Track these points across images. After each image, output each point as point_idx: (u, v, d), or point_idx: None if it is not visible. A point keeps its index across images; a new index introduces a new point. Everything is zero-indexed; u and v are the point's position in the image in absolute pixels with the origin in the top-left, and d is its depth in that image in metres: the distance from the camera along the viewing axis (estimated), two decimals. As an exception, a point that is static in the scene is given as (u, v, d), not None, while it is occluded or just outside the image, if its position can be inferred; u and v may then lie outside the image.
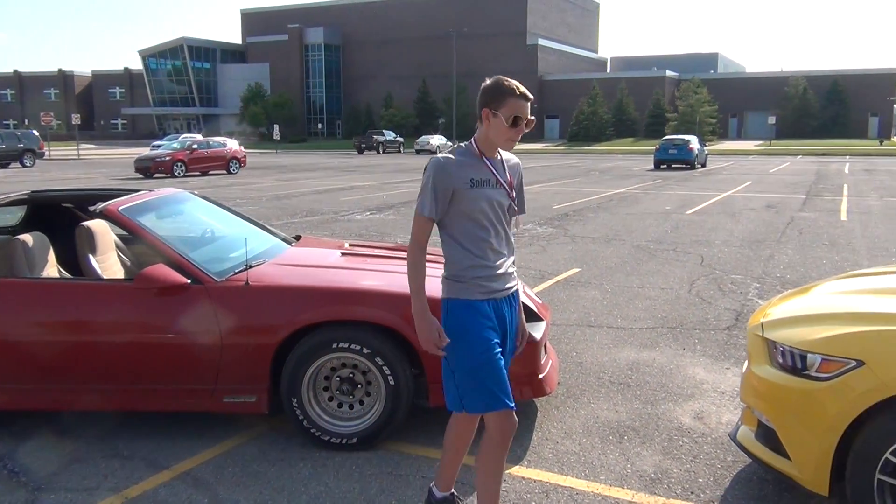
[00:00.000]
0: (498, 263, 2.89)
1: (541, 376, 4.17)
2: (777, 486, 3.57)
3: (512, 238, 2.99)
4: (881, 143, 63.18)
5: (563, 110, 77.60)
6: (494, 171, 2.86)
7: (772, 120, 66.08)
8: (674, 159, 33.63)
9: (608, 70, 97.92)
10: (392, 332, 3.96)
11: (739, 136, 78.37)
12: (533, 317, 4.36)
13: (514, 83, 2.79)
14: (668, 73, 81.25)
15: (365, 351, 3.91)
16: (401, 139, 60.00)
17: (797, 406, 3.07)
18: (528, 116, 2.79)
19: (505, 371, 2.87)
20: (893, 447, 2.80)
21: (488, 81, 2.82)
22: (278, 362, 4.00)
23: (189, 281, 3.99)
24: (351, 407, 4.08)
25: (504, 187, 2.87)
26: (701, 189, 21.81)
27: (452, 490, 3.24)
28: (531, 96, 2.82)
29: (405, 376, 3.94)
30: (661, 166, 33.90)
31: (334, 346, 3.93)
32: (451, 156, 2.83)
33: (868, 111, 75.95)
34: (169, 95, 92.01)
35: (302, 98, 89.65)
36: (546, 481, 3.66)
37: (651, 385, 5.01)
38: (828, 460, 2.97)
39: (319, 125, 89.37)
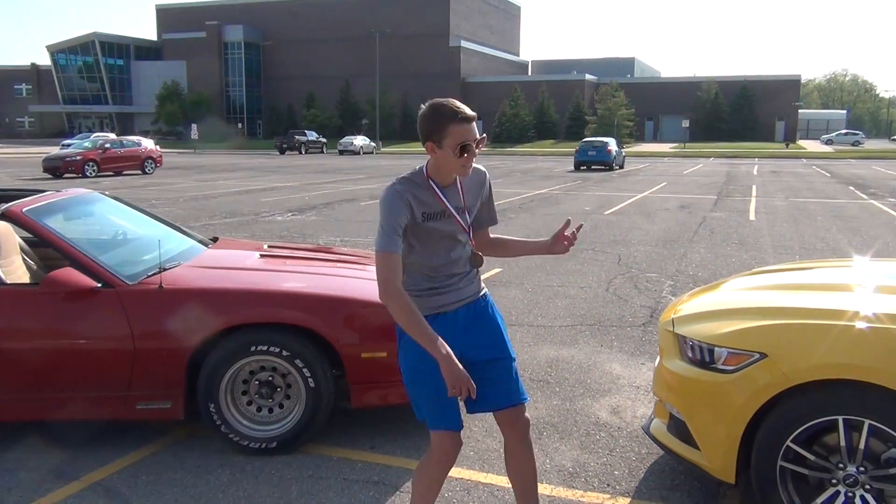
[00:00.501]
0: (449, 283, 2.74)
1: (462, 375, 4.20)
2: (688, 476, 3.70)
3: (470, 252, 2.80)
4: (787, 146, 66.26)
5: (486, 112, 78.20)
6: (445, 201, 2.68)
7: (685, 123, 68.46)
8: (593, 161, 34.42)
9: (530, 73, 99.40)
10: (312, 334, 3.92)
11: (655, 139, 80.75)
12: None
13: (452, 105, 2.59)
14: (588, 76, 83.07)
15: (284, 353, 3.86)
16: (323, 140, 59.39)
17: (705, 398, 3.19)
18: (477, 137, 2.58)
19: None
20: (794, 435, 2.95)
21: (424, 108, 2.62)
22: (194, 367, 3.90)
23: (99, 285, 3.85)
24: (270, 411, 4.03)
25: (455, 217, 2.69)
26: (619, 190, 22.39)
27: None
28: (473, 114, 2.61)
29: (326, 378, 3.91)
30: (581, 168, 34.64)
31: (253, 349, 3.86)
32: (401, 187, 2.64)
33: (775, 115, 79.44)
34: (80, 93, 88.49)
35: (221, 97, 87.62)
36: (467, 479, 3.69)
37: (570, 382, 5.12)
38: (734, 450, 3.09)
39: (240, 125, 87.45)
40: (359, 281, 4.54)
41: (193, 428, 4.23)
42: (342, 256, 5.34)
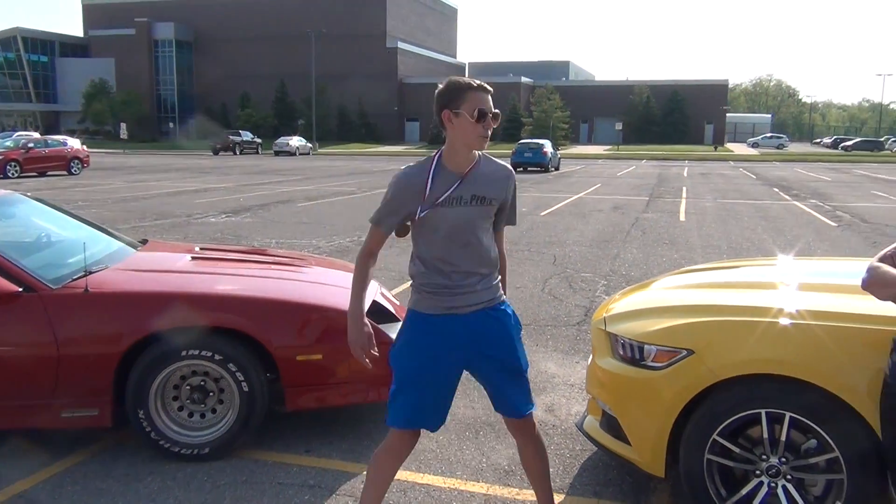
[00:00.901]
0: (465, 284, 2.69)
1: (398, 376, 4.19)
2: (620, 472, 3.78)
3: (491, 251, 2.77)
4: (715, 148, 68.27)
5: (424, 113, 78.48)
6: (458, 188, 2.63)
7: (619, 126, 69.99)
8: (529, 163, 34.80)
9: (466, 75, 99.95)
10: (245, 337, 3.85)
11: (590, 141, 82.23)
12: (390, 318, 4.38)
13: (469, 78, 2.63)
14: (524, 79, 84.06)
15: (217, 358, 3.79)
16: (258, 140, 58.47)
17: (636, 395, 3.26)
18: (493, 109, 2.60)
19: (449, 392, 2.78)
20: (720, 429, 3.04)
21: (440, 85, 2.63)
22: (123, 373, 3.79)
23: (20, 289, 3.71)
24: (203, 416, 3.94)
25: (471, 204, 2.65)
26: (554, 191, 22.70)
27: None
28: (490, 88, 2.63)
29: (260, 382, 3.85)
30: (518, 169, 34.93)
31: (184, 353, 3.78)
32: (412, 170, 2.66)
33: (704, 119, 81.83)
34: (1, 90, 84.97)
35: (152, 96, 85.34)
36: (404, 480, 3.69)
37: (506, 381, 5.16)
38: (663, 444, 3.18)
39: (171, 124, 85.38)
40: (294, 283, 4.50)
41: (122, 435, 4.11)
42: (277, 258, 5.27)
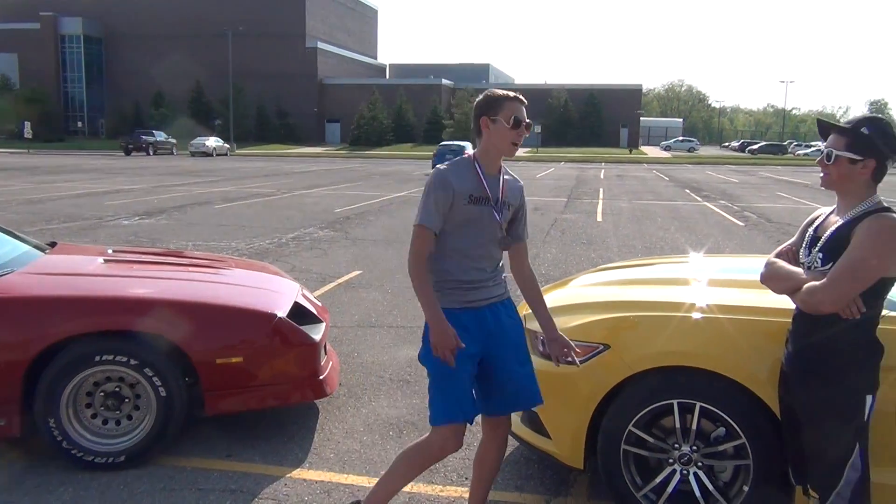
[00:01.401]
0: (479, 278, 2.85)
1: (321, 377, 4.18)
2: (541, 465, 3.87)
3: (499, 254, 2.93)
4: (630, 151, 70.20)
5: (344, 115, 77.91)
6: (489, 189, 2.81)
7: (538, 129, 70.91)
8: (451, 164, 34.97)
9: (387, 76, 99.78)
10: (162, 341, 3.76)
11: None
12: (312, 319, 4.36)
13: (507, 90, 2.80)
14: (445, 81, 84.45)
15: (132, 362, 3.69)
16: (173, 140, 56.73)
17: (555, 389, 3.34)
18: (526, 119, 2.79)
19: (467, 385, 2.82)
20: (635, 420, 3.15)
21: (480, 97, 2.82)
22: (32, 380, 3.65)
23: (-82, 295, 3.52)
24: (118, 423, 3.83)
25: (496, 206, 2.83)
26: (475, 193, 22.87)
27: None
28: (525, 101, 2.83)
29: (178, 386, 3.77)
30: (439, 171, 35.14)
31: (97, 358, 3.66)
32: (448, 169, 2.79)
33: (619, 122, 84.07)
34: None
35: (59, 93, 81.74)
36: (328, 481, 3.68)
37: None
38: (582, 437, 3.27)
39: (80, 123, 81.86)
40: (212, 285, 4.42)
41: (31, 445, 3.94)
42: (194, 260, 5.17)
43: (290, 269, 9.12)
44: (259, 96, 74.74)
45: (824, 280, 2.46)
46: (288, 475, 3.71)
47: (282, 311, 4.08)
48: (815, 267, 2.58)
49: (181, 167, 36.24)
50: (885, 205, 2.52)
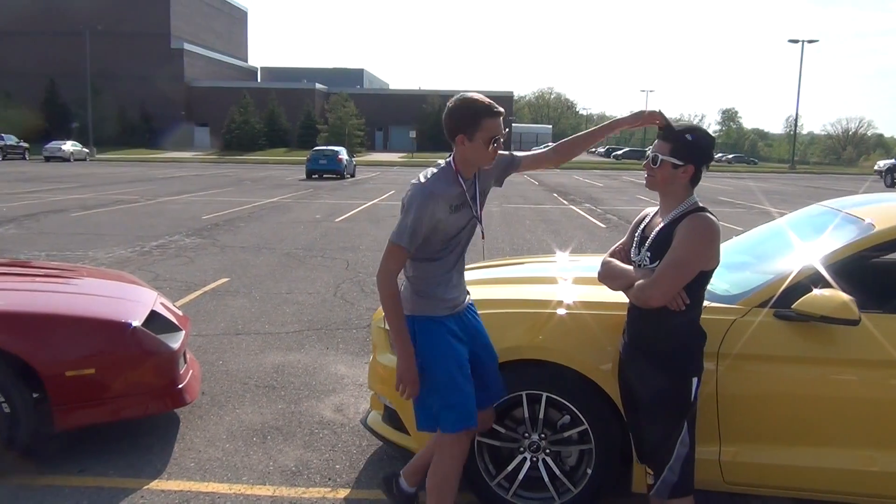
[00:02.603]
0: (458, 280, 2.93)
1: (180, 386, 4.11)
2: (403, 462, 3.92)
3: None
4: (503, 156, 71.89)
5: (214, 118, 75.39)
6: (468, 194, 2.83)
7: (413, 134, 71.65)
8: (325, 170, 34.74)
9: (259, 80, 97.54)
10: (5, 355, 3.58)
11: (385, 149, 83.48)
12: (170, 328, 4.27)
13: (486, 100, 2.71)
14: (318, 85, 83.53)
15: (-29, 378, 3.49)
16: (25, 144, 53.03)
17: (414, 387, 3.45)
18: (503, 131, 2.74)
19: (472, 387, 2.87)
20: (488, 412, 3.30)
21: (454, 103, 2.71)
22: None
23: None
24: (-44, 443, 3.61)
25: (475, 208, 2.86)
26: (350, 198, 22.86)
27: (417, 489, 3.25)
28: (502, 110, 2.77)
29: (24, 402, 3.60)
30: (313, 176, 34.80)
31: (-70, 376, 3.44)
32: (436, 188, 2.73)
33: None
34: None
35: None
36: (187, 490, 3.62)
37: (295, 385, 5.20)
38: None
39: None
40: (61, 295, 4.25)
41: None
42: (42, 270, 4.93)
43: (154, 278, 8.82)
44: (122, 98, 71.19)
45: (652, 277, 2.69)
46: (145, 487, 3.63)
47: (137, 320, 3.98)
48: (644, 265, 2.81)
49: (34, 173, 33.98)
50: (701, 205, 2.78)
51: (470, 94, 2.77)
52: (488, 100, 2.76)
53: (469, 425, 2.87)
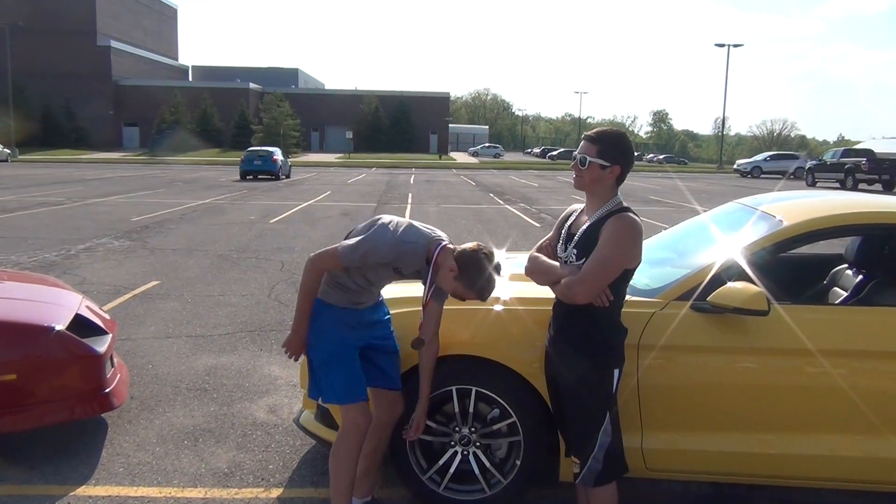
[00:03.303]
0: (370, 288, 3.16)
1: (107, 390, 4.04)
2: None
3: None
4: (440, 157, 72.28)
5: (143, 118, 73.43)
6: (424, 280, 3.09)
7: (349, 134, 71.30)
8: (259, 170, 34.24)
9: (190, 79, 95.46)
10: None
11: (322, 149, 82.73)
12: (96, 331, 4.20)
13: (492, 272, 2.98)
14: (252, 85, 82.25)
15: None
16: (-59, 145, 50.76)
17: (346, 384, 3.47)
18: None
19: (357, 367, 3.14)
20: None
21: (487, 256, 3.00)
22: None
23: None
24: None
25: (425, 295, 3.11)
26: (284, 199, 22.62)
27: (372, 496, 3.47)
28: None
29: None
30: (248, 177, 34.25)
31: None
32: (405, 249, 2.96)
33: (429, 129, 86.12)
34: None
35: None
36: (116, 495, 3.57)
37: (228, 387, 5.16)
38: (371, 428, 3.42)
39: None
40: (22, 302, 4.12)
41: None
42: (-40, 274, 4.77)
43: (80, 282, 8.59)
44: (45, 97, 68.73)
45: (579, 275, 2.78)
46: (71, 493, 3.56)
47: (60, 324, 3.89)
48: (571, 261, 2.90)
49: (-48, 174, 32.55)
50: (625, 205, 2.89)
51: (486, 255, 3.00)
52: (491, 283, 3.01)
53: (360, 398, 3.11)
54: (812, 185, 37.37)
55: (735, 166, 52.56)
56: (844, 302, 3.83)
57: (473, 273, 2.97)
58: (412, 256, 2.99)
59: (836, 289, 4.18)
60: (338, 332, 3.11)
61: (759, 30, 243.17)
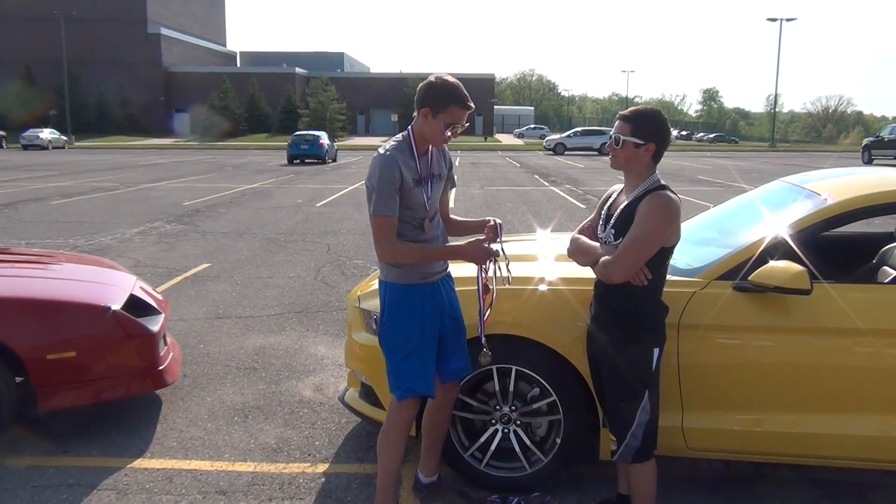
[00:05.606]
0: (433, 244, 3.03)
1: (161, 368, 4.19)
2: (381, 437, 4.07)
3: (440, 222, 3.12)
4: (486, 139, 72.02)
5: (193, 104, 74.65)
6: (427, 168, 2.98)
7: (394, 118, 71.47)
8: (306, 154, 34.61)
9: (238, 64, 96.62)
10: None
11: (368, 133, 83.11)
12: (150, 311, 4.35)
13: (463, 91, 2.88)
14: (298, 70, 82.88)
15: (-47, 363, 3.56)
16: (2, 133, 52.46)
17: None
18: (463, 124, 2.91)
19: (433, 358, 3.02)
20: (461, 386, 3.41)
21: (434, 79, 2.87)
22: None
23: None
24: (-60, 427, 3.68)
25: (435, 180, 3.02)
26: (331, 182, 22.86)
27: (438, 474, 3.42)
28: (473, 106, 2.94)
29: (5, 385, 3.68)
30: (295, 161, 34.67)
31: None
32: (392, 153, 2.86)
33: (475, 111, 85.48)
34: None
35: None
36: (170, 468, 3.72)
37: (276, 366, 5.29)
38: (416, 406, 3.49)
39: None
40: (40, 280, 4.31)
41: None
42: (20, 256, 4.98)
43: (135, 264, 8.86)
44: (99, 85, 70.40)
45: (615, 254, 2.80)
46: (129, 465, 3.72)
47: (116, 304, 4.05)
48: (609, 242, 2.92)
49: (12, 161, 33.66)
50: (663, 183, 2.88)
51: (452, 79, 2.92)
52: (465, 92, 2.93)
53: (424, 394, 3.02)
54: (868, 162, 36.25)
55: (545, 144, 52.84)
56: (895, 281, 3.76)
57: (431, 94, 2.88)
58: (400, 146, 2.92)
59: (885, 268, 4.09)
60: (419, 315, 2.97)
61: (813, 3, 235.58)
